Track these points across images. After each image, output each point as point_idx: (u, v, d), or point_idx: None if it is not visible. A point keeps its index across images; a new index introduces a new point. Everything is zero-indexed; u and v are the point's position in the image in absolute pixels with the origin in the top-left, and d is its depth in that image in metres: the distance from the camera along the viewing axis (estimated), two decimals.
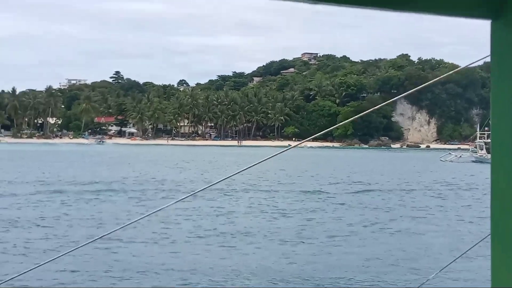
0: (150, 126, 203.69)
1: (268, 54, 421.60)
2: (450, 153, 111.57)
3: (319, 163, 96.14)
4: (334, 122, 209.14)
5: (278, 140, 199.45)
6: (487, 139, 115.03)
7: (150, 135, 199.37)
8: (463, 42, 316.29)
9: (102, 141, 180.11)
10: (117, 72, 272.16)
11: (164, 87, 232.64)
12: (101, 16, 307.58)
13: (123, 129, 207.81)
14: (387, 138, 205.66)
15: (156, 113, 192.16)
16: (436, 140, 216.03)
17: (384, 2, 1.74)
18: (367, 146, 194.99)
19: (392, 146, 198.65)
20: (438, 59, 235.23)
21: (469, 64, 4.99)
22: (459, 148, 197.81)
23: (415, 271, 23.16)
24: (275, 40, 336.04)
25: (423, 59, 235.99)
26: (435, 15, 1.85)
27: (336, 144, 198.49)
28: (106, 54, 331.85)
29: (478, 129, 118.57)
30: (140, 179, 61.19)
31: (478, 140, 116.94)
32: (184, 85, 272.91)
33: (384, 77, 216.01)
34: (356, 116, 4.74)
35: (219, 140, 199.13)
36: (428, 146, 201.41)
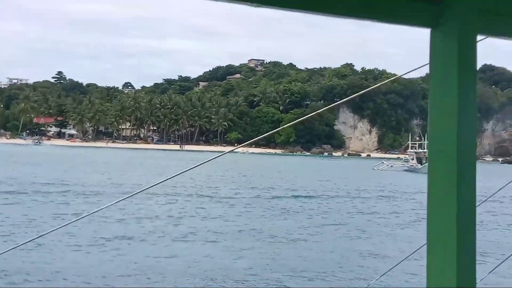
0: (91, 128, 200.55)
1: (218, 60, 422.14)
2: (383, 162, 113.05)
3: (246, 168, 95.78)
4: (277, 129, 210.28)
5: (220, 145, 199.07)
6: (418, 149, 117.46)
7: (91, 137, 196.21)
8: (410, 53, 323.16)
9: (39, 142, 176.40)
10: (60, 73, 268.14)
11: (108, 89, 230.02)
12: (49, 16, 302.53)
13: (63, 130, 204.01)
14: (329, 146, 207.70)
15: (97, 115, 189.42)
16: (377, 149, 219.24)
17: (327, 7, 1.76)
18: (309, 153, 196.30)
19: (334, 154, 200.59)
20: (381, 69, 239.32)
21: (408, 72, 5.16)
22: (398, 158, 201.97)
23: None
24: (225, 46, 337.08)
25: (366, 69, 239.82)
26: (376, 22, 1.87)
27: (278, 151, 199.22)
28: (53, 54, 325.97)
29: (409, 139, 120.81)
30: (62, 181, 59.75)
31: (409, 150, 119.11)
32: (130, 87, 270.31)
33: (327, 86, 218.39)
34: (295, 121, 4.89)
35: (161, 144, 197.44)
36: (368, 155, 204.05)
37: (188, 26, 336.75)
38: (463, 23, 1.87)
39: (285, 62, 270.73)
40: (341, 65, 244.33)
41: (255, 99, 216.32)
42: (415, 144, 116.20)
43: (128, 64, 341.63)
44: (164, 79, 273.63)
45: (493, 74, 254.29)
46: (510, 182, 6.60)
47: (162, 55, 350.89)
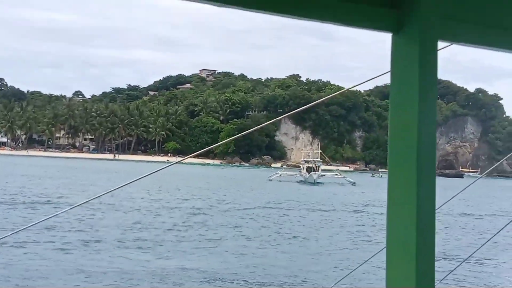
0: (24, 136, 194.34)
1: (182, 70, 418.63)
2: (277, 172, 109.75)
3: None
4: (216, 139, 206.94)
5: (158, 155, 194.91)
6: (309, 158, 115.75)
7: (21, 145, 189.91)
8: (372, 66, 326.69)
9: None
10: (1, 80, 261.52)
11: (50, 96, 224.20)
12: (13, 24, 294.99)
13: None
14: (270, 157, 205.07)
15: (28, 123, 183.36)
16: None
17: (288, 8, 1.76)
18: (247, 164, 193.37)
19: (273, 165, 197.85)
20: (325, 80, 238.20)
21: (369, 80, 5.34)
22: (337, 170, 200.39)
23: None
24: (190, 57, 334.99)
25: (311, 80, 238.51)
26: (339, 25, 1.86)
27: (217, 161, 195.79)
28: (14, 62, 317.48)
29: (302, 148, 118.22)
30: None
31: (302, 159, 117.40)
32: (80, 96, 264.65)
33: (269, 96, 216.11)
34: (238, 135, 5.05)
35: (97, 153, 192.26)
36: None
37: (153, 37, 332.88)
38: (425, 28, 1.86)
39: (249, 74, 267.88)
40: (287, 76, 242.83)
41: (196, 109, 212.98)
42: (308, 152, 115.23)
43: (91, 74, 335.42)
44: (112, 88, 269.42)
45: (439, 87, 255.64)
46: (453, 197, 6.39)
47: (126, 65, 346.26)
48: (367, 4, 1.86)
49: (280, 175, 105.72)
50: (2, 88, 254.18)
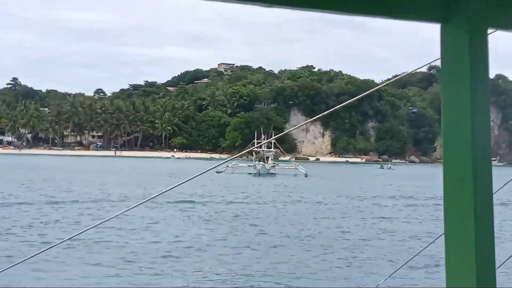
0: (29, 135, 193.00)
1: (212, 66, 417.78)
2: (227, 166, 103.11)
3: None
4: (223, 133, 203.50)
5: (165, 151, 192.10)
6: (260, 148, 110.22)
7: (24, 144, 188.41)
8: (406, 56, 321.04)
9: None
10: (15, 79, 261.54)
11: (67, 95, 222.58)
12: (47, 25, 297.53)
13: (1, 137, 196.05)
14: (279, 150, 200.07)
15: (32, 121, 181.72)
16: (330, 153, 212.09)
17: (336, 5, 1.75)
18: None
19: (281, 158, 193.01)
20: (337, 70, 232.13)
21: (417, 69, 5.33)
22: (347, 161, 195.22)
23: None
24: (222, 52, 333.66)
25: (323, 70, 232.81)
26: (386, 18, 1.85)
27: (224, 156, 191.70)
28: (50, 62, 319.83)
29: (255, 139, 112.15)
30: None
31: (254, 150, 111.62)
32: (101, 94, 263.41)
33: (278, 88, 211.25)
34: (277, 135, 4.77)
35: (102, 150, 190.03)
36: (317, 159, 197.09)
37: (184, 34, 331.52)
38: (474, 17, 1.85)
39: (275, 68, 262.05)
40: (300, 67, 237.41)
41: (203, 103, 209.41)
42: (260, 142, 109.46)
43: (124, 72, 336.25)
44: (130, 85, 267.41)
45: None
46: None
47: (158, 62, 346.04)
48: None
49: (227, 167, 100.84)
50: (16, 87, 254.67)
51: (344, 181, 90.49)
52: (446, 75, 1.89)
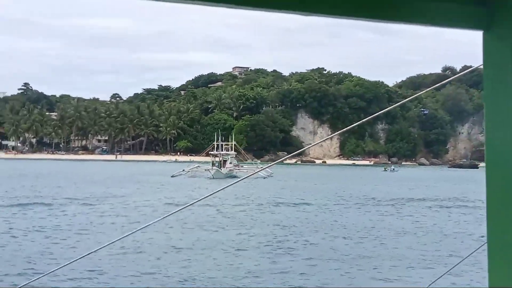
0: (33, 139, 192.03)
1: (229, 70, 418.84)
2: (183, 169, 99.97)
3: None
4: (228, 136, 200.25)
5: (169, 154, 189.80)
6: (217, 151, 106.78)
7: (27, 148, 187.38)
8: (431, 58, 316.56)
9: None
10: (26, 84, 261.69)
11: (79, 100, 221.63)
12: (70, 32, 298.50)
13: (4, 142, 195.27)
14: (285, 153, 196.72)
15: (34, 125, 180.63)
16: (339, 156, 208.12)
17: (380, 14, 1.76)
18: (259, 161, 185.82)
19: (287, 162, 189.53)
20: (346, 72, 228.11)
21: (461, 74, 5.37)
22: (354, 164, 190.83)
23: None
24: (246, 57, 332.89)
25: (332, 72, 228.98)
26: (428, 26, 1.86)
27: None
28: (75, 70, 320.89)
29: (215, 141, 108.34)
30: None
31: (213, 152, 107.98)
32: (118, 98, 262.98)
33: (285, 90, 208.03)
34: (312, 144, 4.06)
35: (106, 154, 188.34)
36: (324, 162, 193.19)
37: (208, 39, 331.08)
38: None
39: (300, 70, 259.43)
40: (311, 69, 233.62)
41: (209, 106, 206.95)
42: (219, 145, 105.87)
43: (147, 78, 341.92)
44: (144, 89, 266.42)
45: (472, 76, 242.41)
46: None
47: (182, 67, 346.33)
48: (456, 3, 1.83)
49: (183, 170, 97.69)
50: (27, 92, 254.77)
51: (302, 184, 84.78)
52: (489, 81, 1.89)
